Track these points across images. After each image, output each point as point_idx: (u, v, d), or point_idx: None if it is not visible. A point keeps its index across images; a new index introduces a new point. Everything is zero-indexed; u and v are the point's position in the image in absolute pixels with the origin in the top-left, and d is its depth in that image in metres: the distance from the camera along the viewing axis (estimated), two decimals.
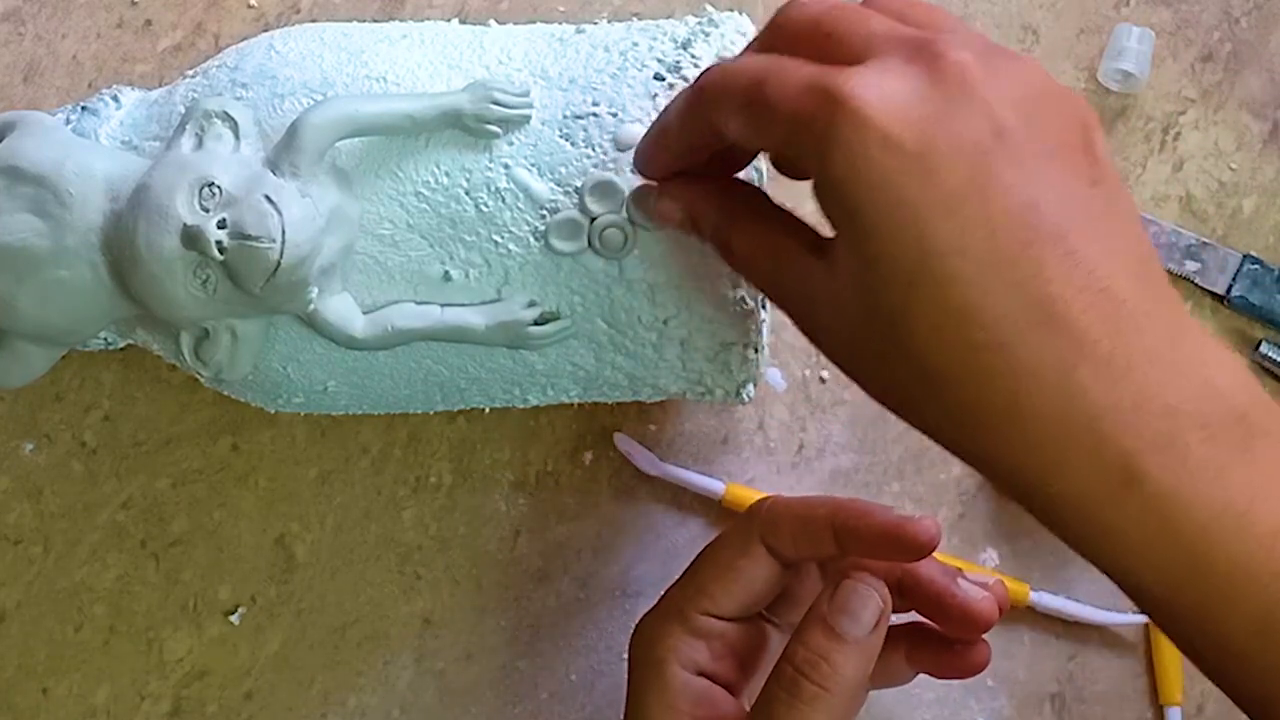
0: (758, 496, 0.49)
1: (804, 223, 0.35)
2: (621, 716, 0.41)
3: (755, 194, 0.38)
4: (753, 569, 0.40)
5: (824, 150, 0.30)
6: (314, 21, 0.51)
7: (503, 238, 0.40)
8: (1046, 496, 0.30)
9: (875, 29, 0.32)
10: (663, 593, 0.41)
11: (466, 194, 0.40)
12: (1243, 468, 0.29)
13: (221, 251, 0.37)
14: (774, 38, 0.34)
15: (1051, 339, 0.29)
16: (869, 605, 0.37)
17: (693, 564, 0.41)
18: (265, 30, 0.50)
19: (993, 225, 0.29)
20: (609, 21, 0.44)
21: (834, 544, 0.39)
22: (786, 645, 0.37)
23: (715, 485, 0.50)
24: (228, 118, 0.40)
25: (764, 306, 0.47)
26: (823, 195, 0.31)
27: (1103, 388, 0.29)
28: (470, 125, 0.40)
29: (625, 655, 0.50)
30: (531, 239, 0.40)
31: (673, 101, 0.36)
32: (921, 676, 0.43)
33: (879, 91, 0.30)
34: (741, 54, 0.36)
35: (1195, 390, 0.29)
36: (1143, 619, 0.49)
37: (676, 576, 0.41)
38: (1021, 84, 0.31)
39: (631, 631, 0.41)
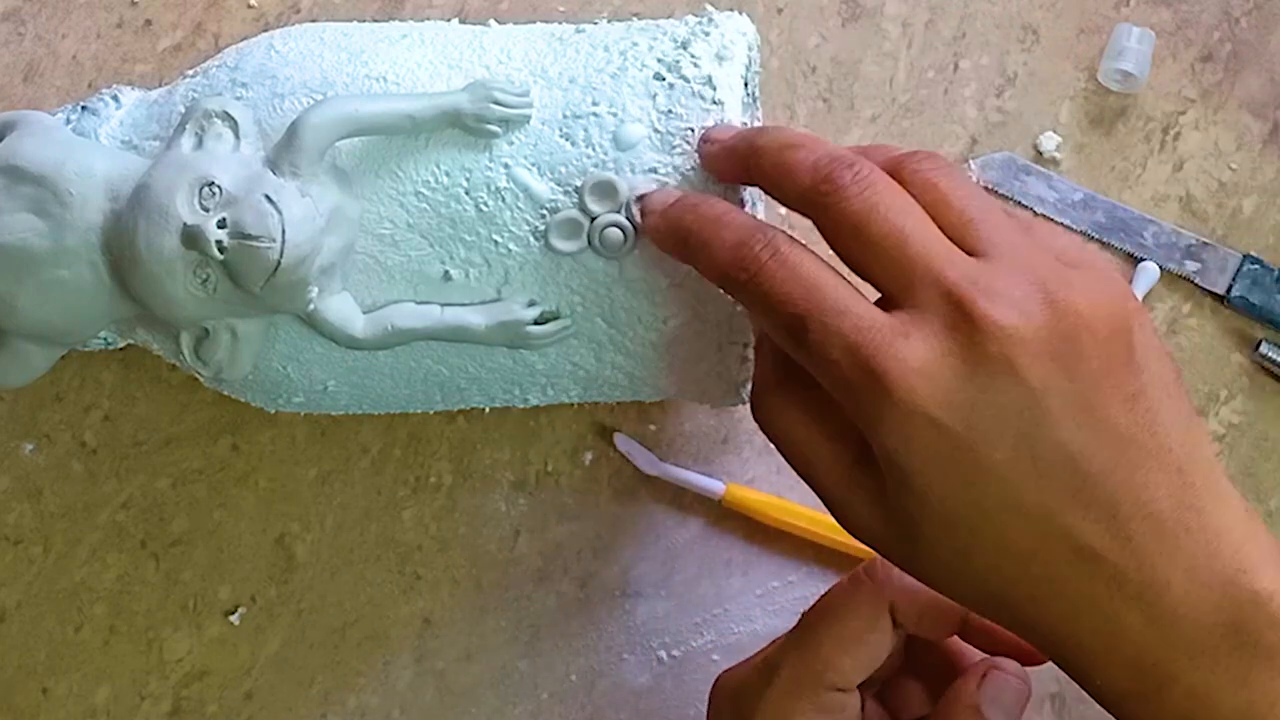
0: (758, 496, 0.50)
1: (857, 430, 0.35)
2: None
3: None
4: (882, 642, 0.39)
5: (873, 423, 0.33)
6: (314, 21, 0.51)
7: (503, 237, 0.40)
8: (1090, 685, 0.34)
9: (916, 262, 0.33)
10: (767, 652, 0.40)
11: (466, 194, 0.40)
12: (1266, 674, 0.32)
13: (221, 251, 0.37)
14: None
15: (1095, 573, 0.32)
16: (1018, 696, 0.39)
17: (808, 629, 0.40)
18: (265, 30, 0.50)
19: (1041, 483, 0.32)
20: (609, 21, 0.44)
21: (959, 631, 0.40)
22: None
23: (715, 485, 0.50)
24: (228, 117, 0.40)
25: None
26: (877, 453, 0.33)
27: (1141, 610, 0.32)
28: (470, 125, 0.39)
29: (625, 655, 0.50)
30: (531, 239, 0.40)
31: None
32: None
33: (922, 378, 0.32)
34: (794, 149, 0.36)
35: (1230, 600, 0.32)
36: None
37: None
38: (1061, 329, 0.32)
39: (722, 690, 0.41)
